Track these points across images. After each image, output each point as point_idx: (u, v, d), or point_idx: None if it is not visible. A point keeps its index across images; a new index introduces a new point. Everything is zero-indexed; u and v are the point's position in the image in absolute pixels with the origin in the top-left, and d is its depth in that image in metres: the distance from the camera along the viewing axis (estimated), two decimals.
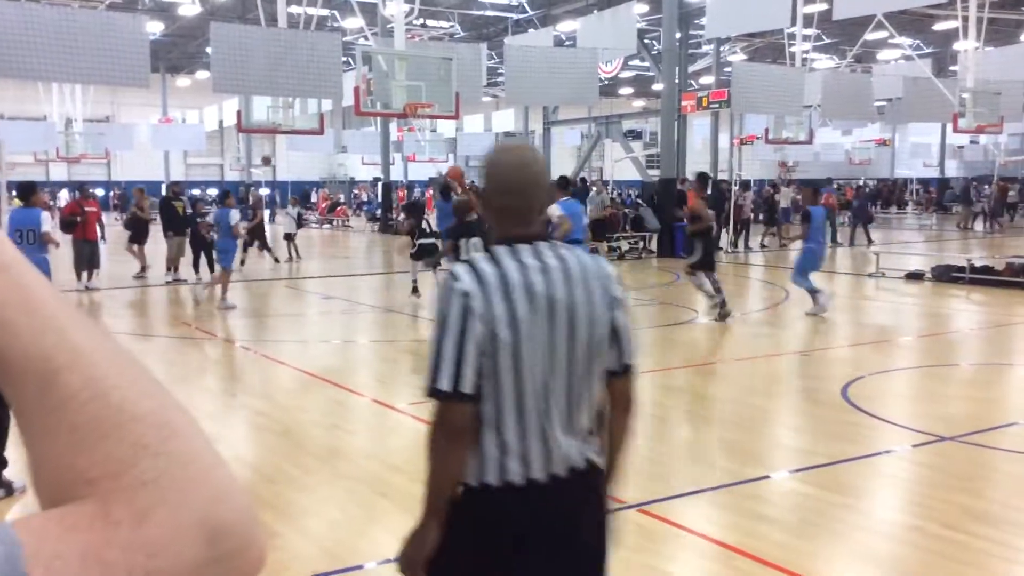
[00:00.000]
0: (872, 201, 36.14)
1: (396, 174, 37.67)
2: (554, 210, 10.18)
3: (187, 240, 16.11)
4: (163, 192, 22.50)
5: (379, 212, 32.97)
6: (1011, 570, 4.30)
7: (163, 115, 40.07)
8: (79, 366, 0.54)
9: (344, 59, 17.91)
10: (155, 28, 29.44)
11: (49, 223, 10.52)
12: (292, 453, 6.28)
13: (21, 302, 0.55)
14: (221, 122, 34.93)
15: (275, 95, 16.39)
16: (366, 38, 20.79)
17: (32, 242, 9.96)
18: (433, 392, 2.18)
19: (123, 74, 13.59)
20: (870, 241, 24.48)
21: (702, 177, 13.22)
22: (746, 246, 23.24)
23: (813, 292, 12.24)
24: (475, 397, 2.18)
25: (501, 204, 2.33)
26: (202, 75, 39.76)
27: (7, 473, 5.46)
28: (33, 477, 0.55)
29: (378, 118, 28.36)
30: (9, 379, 0.55)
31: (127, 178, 40.91)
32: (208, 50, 20.50)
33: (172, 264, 16.43)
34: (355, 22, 24.82)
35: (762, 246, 23.85)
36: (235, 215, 13.63)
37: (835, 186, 29.65)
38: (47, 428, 0.53)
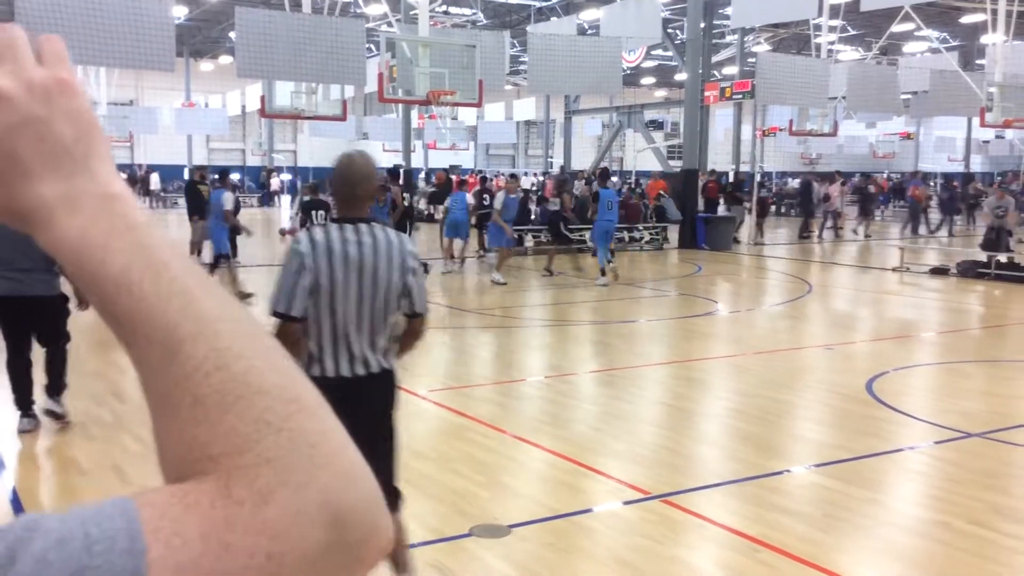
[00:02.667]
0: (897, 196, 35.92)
1: (417, 161, 37.67)
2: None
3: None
4: (186, 176, 22.57)
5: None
6: None
7: (186, 99, 40.22)
8: (204, 335, 0.51)
9: (367, 45, 17.91)
10: (180, 12, 29.53)
11: (231, 203, 12.47)
12: None
13: (147, 265, 0.52)
14: (244, 107, 35.01)
15: (298, 80, 16.43)
16: (389, 25, 20.76)
17: (215, 214, 12.19)
18: (273, 312, 3.38)
19: (148, 58, 13.64)
20: (951, 234, 24.66)
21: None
22: (835, 235, 24.31)
23: (602, 267, 12.88)
24: (301, 319, 3.37)
25: (338, 193, 3.52)
26: (225, 60, 39.88)
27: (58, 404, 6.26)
28: (158, 450, 0.53)
29: (400, 105, 28.36)
30: (133, 345, 0.52)
31: (150, 161, 41.13)
32: (232, 35, 20.57)
33: (195, 248, 16.52)
34: (378, 8, 24.79)
35: (866, 236, 24.67)
36: (229, 198, 12.73)
37: (920, 178, 29.76)
38: (171, 400, 0.51)
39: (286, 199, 38.08)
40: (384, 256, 3.43)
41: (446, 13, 29.83)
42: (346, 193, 3.46)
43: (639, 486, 5.17)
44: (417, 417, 6.86)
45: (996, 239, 15.87)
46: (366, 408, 3.49)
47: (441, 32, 19.76)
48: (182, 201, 24.70)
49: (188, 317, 0.51)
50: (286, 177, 43.05)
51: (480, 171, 37.75)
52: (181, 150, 43.27)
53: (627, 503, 4.94)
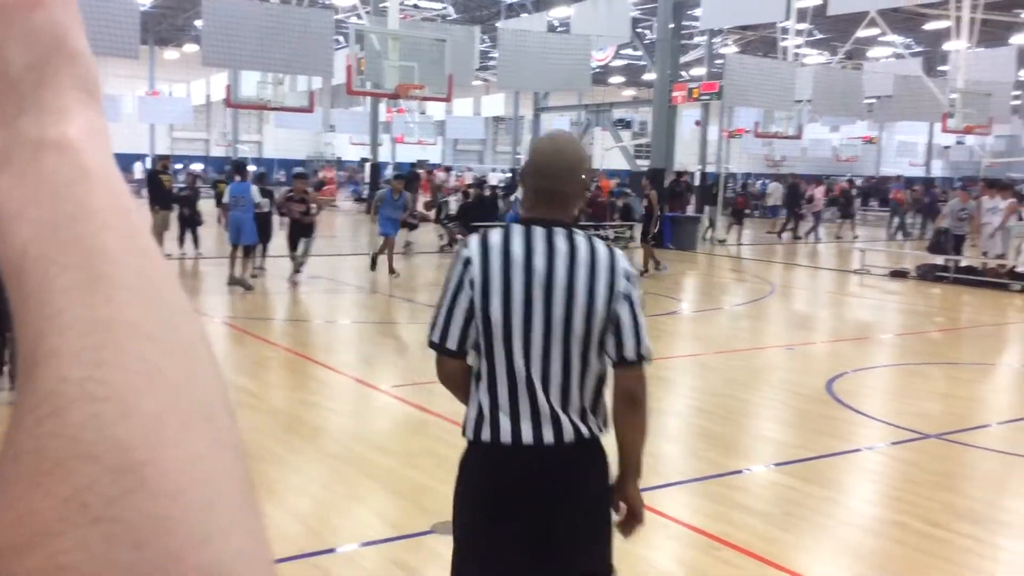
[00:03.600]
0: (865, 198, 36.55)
1: (384, 155, 37.52)
2: None
3: (173, 214, 15.99)
4: (147, 165, 22.30)
5: (365, 193, 32.85)
6: (994, 568, 4.34)
7: (150, 88, 39.67)
8: (65, 356, 0.34)
9: (335, 37, 17.77)
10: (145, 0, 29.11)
11: (258, 195, 12.99)
12: (277, 432, 6.25)
13: (51, 245, 0.36)
14: (208, 96, 34.65)
15: (265, 71, 16.29)
16: (359, 16, 20.63)
17: (242, 206, 12.64)
18: (429, 343, 2.52)
19: (112, 44, 13.42)
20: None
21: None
22: (816, 236, 24.90)
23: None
24: (460, 353, 2.48)
25: (532, 186, 2.53)
26: (191, 48, 39.36)
27: None
28: None
29: (367, 98, 28.19)
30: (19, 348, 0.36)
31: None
32: (198, 23, 20.30)
33: (156, 238, 16.30)
34: (347, 0, 24.62)
35: (854, 237, 25.33)
36: (256, 191, 13.01)
37: (903, 182, 30.61)
38: (8, 447, 0.34)
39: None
40: (584, 273, 2.42)
41: (416, 7, 29.72)
42: (545, 187, 2.49)
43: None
44: (379, 412, 6.83)
45: (945, 242, 16.32)
46: (558, 489, 2.46)
47: (411, 25, 19.67)
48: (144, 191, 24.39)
49: (59, 325, 0.34)
50: (251, 168, 42.65)
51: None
52: (144, 139, 42.68)
53: None
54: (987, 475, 5.81)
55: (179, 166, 35.43)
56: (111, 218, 0.37)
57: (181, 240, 15.75)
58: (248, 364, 8.33)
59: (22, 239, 0.36)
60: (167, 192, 16.30)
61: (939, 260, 16.15)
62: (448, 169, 38.19)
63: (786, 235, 25.02)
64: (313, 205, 13.18)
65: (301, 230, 12.96)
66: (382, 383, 7.52)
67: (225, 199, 13.11)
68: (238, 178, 13.37)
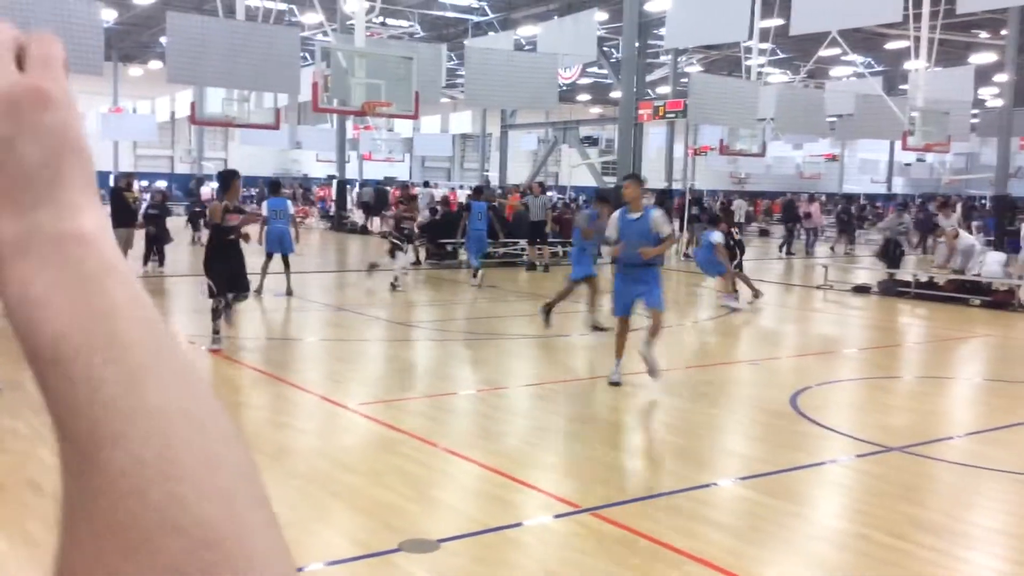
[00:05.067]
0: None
1: (351, 172, 37.37)
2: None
3: (135, 232, 15.86)
4: (111, 183, 22.12)
5: (333, 210, 32.68)
6: None
7: (114, 104, 39.27)
8: (131, 439, 0.38)
9: (302, 54, 17.74)
10: (109, 16, 28.84)
11: (293, 208, 14.07)
12: None
13: (87, 334, 0.39)
14: (173, 113, 34.35)
15: (231, 87, 16.19)
16: (324, 34, 20.61)
17: (283, 218, 13.67)
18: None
19: (76, 61, 13.27)
20: (924, 252, 25.57)
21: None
22: (808, 251, 25.88)
23: (475, 270, 14.71)
24: None
25: None
26: (155, 65, 39.01)
27: None
28: None
29: (334, 115, 28.14)
30: (57, 436, 0.39)
31: None
32: (163, 40, 20.16)
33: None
34: (314, 17, 24.58)
35: (846, 252, 26.51)
36: (290, 205, 14.42)
37: (899, 202, 31.10)
38: (74, 523, 0.38)
39: None
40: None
41: (384, 24, 29.73)
42: None
43: (570, 499, 5.18)
44: (347, 430, 6.78)
45: (893, 252, 17.56)
46: None
47: (378, 43, 19.68)
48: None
49: (118, 412, 0.38)
50: (216, 186, 42.31)
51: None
52: (107, 156, 42.21)
53: (557, 516, 4.95)
54: (949, 487, 5.89)
55: (144, 183, 35.10)
56: (138, 311, 0.41)
57: (147, 258, 15.63)
58: (210, 381, 8.25)
59: (55, 327, 0.39)
60: (130, 209, 16.15)
61: (904, 276, 16.48)
62: (426, 184, 38.09)
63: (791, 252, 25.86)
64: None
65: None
66: (350, 401, 7.48)
67: (264, 212, 13.76)
68: (274, 194, 14.50)
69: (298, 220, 14.52)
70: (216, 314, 9.16)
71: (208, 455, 0.39)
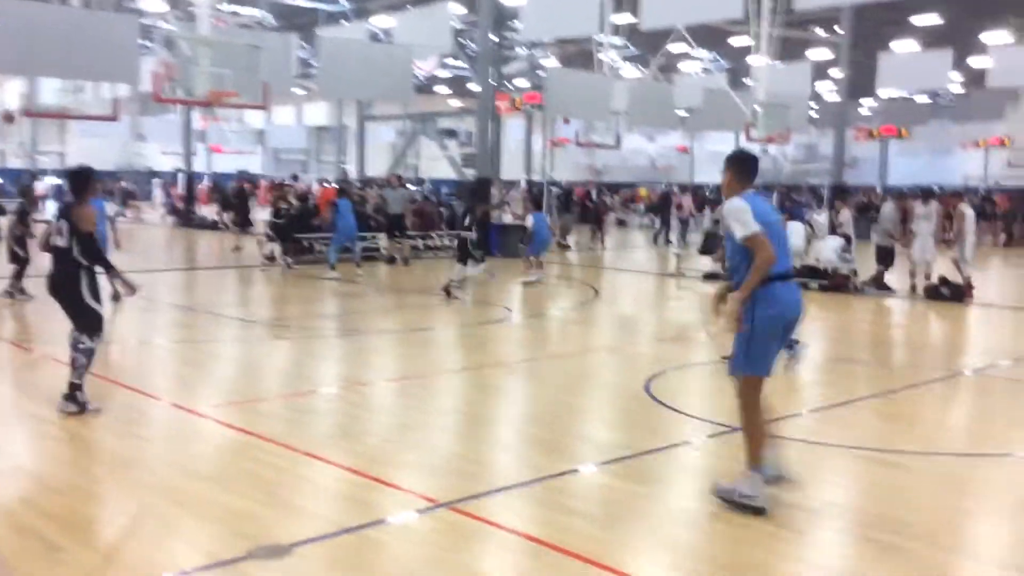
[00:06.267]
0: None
1: (200, 165, 35.92)
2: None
3: None
4: None
5: (180, 205, 31.34)
6: (798, 552, 4.60)
7: None
8: None
9: (143, 43, 16.90)
10: None
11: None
12: (81, 463, 5.83)
13: None
14: (3, 104, 32.14)
15: (65, 77, 15.28)
16: (167, 22, 19.71)
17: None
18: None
19: None
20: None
21: None
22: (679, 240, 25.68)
23: (331, 264, 15.88)
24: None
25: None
26: None
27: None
28: None
29: (180, 106, 27.01)
30: None
31: None
32: None
33: None
34: (155, 4, 23.48)
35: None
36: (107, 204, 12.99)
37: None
38: None
39: (52, 205, 35.31)
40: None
41: (234, 14, 28.71)
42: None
43: (429, 495, 5.12)
44: (195, 437, 6.48)
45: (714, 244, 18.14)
46: None
47: (223, 31, 18.99)
48: None
49: None
50: (52, 180, 39.81)
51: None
52: None
53: (418, 512, 4.88)
54: (795, 464, 6.15)
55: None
56: None
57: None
58: (47, 390, 7.71)
59: None
60: None
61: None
62: (295, 178, 36.86)
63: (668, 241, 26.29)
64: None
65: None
66: (200, 405, 7.16)
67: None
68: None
69: (123, 218, 13.30)
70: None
71: None
